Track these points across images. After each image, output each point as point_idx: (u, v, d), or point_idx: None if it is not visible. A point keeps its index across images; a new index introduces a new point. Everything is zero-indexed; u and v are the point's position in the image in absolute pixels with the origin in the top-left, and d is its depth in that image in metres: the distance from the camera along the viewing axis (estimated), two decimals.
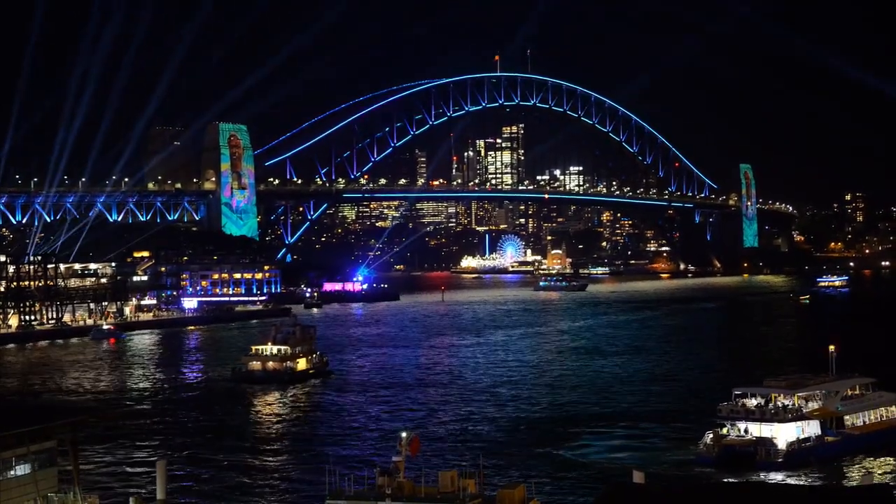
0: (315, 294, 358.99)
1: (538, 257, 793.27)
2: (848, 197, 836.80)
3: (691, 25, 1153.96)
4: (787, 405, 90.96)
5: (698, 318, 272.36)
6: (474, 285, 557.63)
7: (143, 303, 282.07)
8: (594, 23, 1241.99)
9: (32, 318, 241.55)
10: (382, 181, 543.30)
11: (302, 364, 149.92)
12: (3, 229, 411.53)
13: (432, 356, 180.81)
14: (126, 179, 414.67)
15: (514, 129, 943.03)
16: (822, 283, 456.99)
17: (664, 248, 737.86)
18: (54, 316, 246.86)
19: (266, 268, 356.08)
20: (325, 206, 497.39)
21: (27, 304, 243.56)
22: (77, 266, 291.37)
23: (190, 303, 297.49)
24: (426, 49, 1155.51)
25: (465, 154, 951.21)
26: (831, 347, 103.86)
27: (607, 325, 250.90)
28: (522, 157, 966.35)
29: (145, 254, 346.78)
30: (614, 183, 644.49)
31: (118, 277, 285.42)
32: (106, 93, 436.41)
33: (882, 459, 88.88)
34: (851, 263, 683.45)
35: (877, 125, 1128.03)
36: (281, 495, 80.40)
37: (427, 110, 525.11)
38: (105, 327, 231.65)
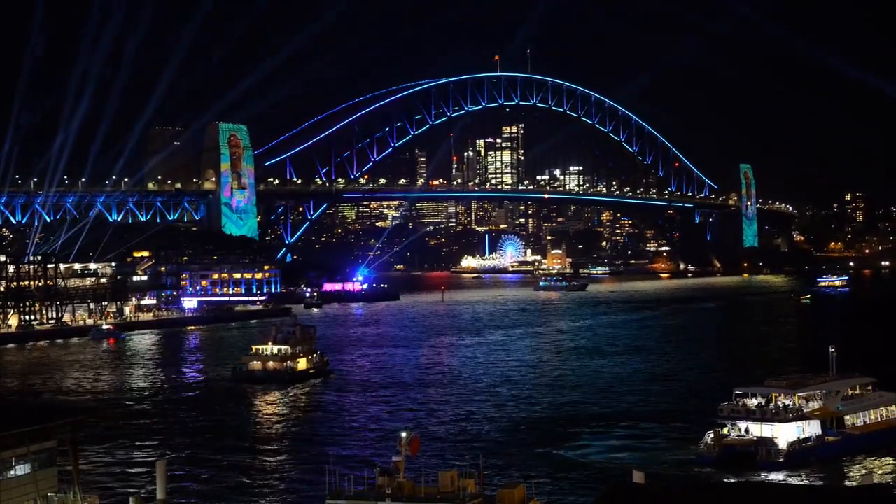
0: (315, 294, 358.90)
1: (538, 257, 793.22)
2: (848, 197, 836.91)
3: (691, 25, 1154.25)
4: (788, 405, 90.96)
5: (698, 318, 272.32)
6: (474, 285, 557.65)
7: (143, 303, 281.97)
8: (594, 23, 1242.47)
9: (32, 318, 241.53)
10: (382, 181, 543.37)
11: (302, 364, 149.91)
12: (3, 229, 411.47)
13: (432, 356, 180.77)
14: (126, 179, 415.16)
15: (514, 129, 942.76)
16: (823, 283, 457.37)
17: (664, 248, 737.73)
18: (54, 316, 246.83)
19: (266, 268, 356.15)
20: (324, 206, 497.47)
21: (27, 304, 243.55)
22: (77, 266, 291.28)
23: (190, 303, 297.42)
24: (426, 49, 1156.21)
25: (465, 154, 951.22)
26: (831, 347, 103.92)
27: (607, 324, 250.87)
28: (522, 157, 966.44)
29: (145, 254, 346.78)
30: (614, 183, 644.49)
31: (118, 277, 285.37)
32: (106, 93, 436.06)
33: (882, 459, 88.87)
34: (851, 263, 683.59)
35: (877, 125, 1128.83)
36: (281, 495, 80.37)
37: (427, 110, 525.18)
38: (104, 327, 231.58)
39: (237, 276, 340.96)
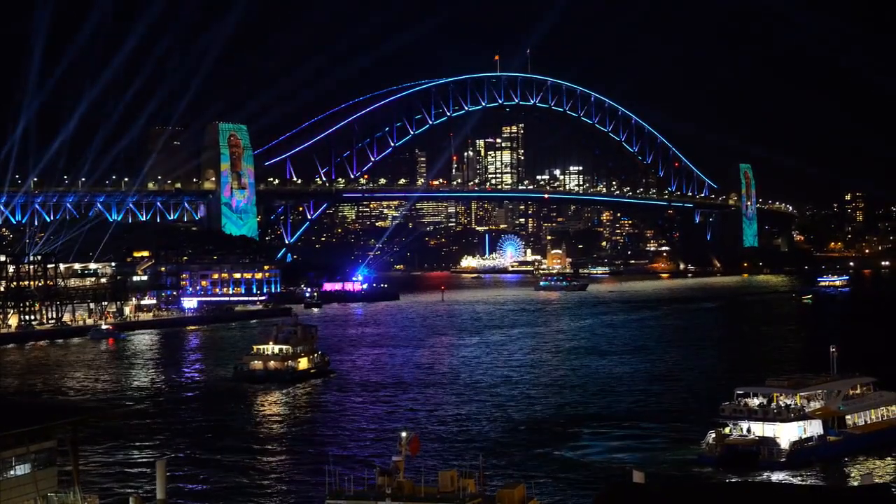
0: (315, 294, 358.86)
1: (538, 257, 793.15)
2: (848, 197, 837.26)
3: (691, 25, 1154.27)
4: (790, 405, 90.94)
5: (698, 318, 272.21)
6: (474, 285, 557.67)
7: (142, 303, 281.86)
8: (594, 23, 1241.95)
9: (32, 317, 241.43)
10: (382, 181, 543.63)
11: (303, 363, 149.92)
12: (3, 229, 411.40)
13: (432, 356, 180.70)
14: (126, 179, 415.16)
15: (514, 128, 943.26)
16: (823, 283, 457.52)
17: (664, 248, 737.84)
18: (54, 316, 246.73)
19: (266, 268, 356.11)
20: (324, 205, 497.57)
21: (27, 303, 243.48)
22: (77, 266, 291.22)
23: (190, 303, 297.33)
24: (426, 49, 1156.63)
25: (465, 154, 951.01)
26: (832, 347, 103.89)
27: (607, 324, 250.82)
28: (522, 157, 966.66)
29: (145, 254, 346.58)
30: (614, 183, 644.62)
31: (118, 277, 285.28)
32: (106, 93, 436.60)
33: (883, 459, 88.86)
34: (851, 263, 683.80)
35: (877, 125, 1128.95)
36: (281, 495, 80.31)
37: (427, 110, 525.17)
38: (104, 327, 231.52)
39: (237, 276, 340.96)
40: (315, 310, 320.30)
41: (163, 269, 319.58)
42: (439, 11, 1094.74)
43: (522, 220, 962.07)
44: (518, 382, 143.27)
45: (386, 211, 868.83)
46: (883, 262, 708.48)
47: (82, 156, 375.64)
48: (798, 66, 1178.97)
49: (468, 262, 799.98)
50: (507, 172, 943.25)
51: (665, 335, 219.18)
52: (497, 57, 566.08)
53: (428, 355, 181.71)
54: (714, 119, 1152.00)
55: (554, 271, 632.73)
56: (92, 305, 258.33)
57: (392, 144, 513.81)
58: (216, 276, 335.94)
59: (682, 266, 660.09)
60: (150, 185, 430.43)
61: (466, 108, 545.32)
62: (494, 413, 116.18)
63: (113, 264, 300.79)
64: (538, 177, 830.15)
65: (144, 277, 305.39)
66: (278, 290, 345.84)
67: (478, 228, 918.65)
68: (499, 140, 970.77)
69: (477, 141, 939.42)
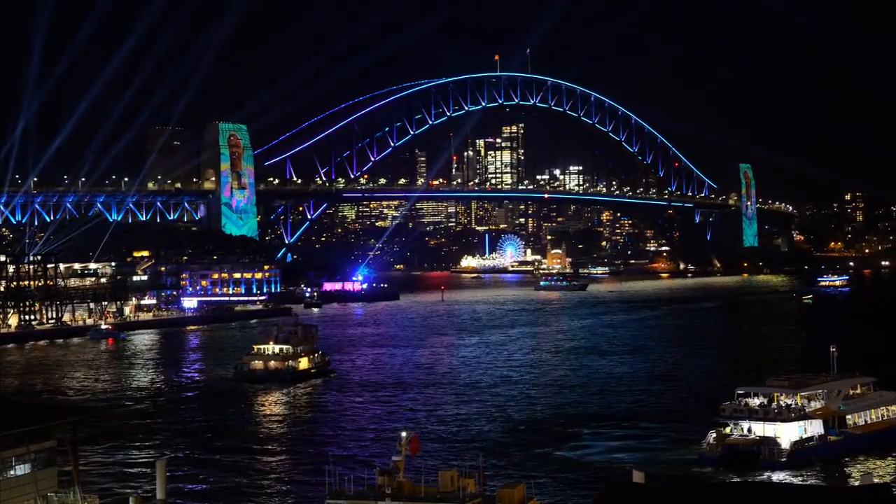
0: (315, 294, 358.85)
1: (538, 257, 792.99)
2: (848, 197, 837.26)
3: (691, 25, 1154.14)
4: (790, 405, 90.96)
5: (698, 318, 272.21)
6: (474, 285, 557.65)
7: (142, 302, 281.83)
8: (594, 23, 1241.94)
9: (32, 317, 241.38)
10: (382, 181, 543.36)
11: (304, 363, 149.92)
12: (3, 229, 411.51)
13: (432, 356, 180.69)
14: (126, 179, 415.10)
15: (514, 128, 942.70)
16: (823, 283, 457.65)
17: (664, 248, 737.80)
18: (54, 316, 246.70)
19: (266, 267, 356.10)
20: (324, 205, 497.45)
21: (27, 303, 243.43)
22: (77, 266, 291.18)
23: (190, 302, 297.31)
24: (426, 49, 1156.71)
25: (465, 154, 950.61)
26: (832, 347, 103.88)
27: (607, 324, 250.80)
28: (522, 157, 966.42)
29: (145, 254, 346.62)
30: (614, 182, 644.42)
31: (118, 277, 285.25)
32: (106, 93, 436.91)
33: (884, 459, 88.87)
34: (851, 263, 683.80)
35: (877, 125, 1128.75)
36: (281, 495, 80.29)
37: (427, 110, 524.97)
38: (103, 327, 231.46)
39: (237, 275, 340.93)
40: (315, 310, 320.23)
41: (163, 269, 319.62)
42: (439, 11, 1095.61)
43: (522, 220, 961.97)
44: (518, 382, 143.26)
45: (386, 211, 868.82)
46: (883, 262, 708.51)
47: (82, 156, 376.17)
48: (798, 66, 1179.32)
49: (468, 262, 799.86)
50: (507, 172, 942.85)
51: (665, 335, 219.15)
52: (497, 57, 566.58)
53: (428, 355, 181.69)
54: (714, 119, 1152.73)
55: (554, 271, 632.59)
56: (92, 305, 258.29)
57: (392, 144, 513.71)
58: (216, 276, 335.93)
59: (682, 266, 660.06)
60: (150, 185, 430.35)
61: (466, 108, 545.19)
62: (494, 413, 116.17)
63: (113, 264, 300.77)
64: (538, 177, 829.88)
65: (144, 277, 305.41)
66: (278, 289, 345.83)
67: (478, 228, 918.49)
68: (499, 140, 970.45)
69: (477, 141, 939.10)
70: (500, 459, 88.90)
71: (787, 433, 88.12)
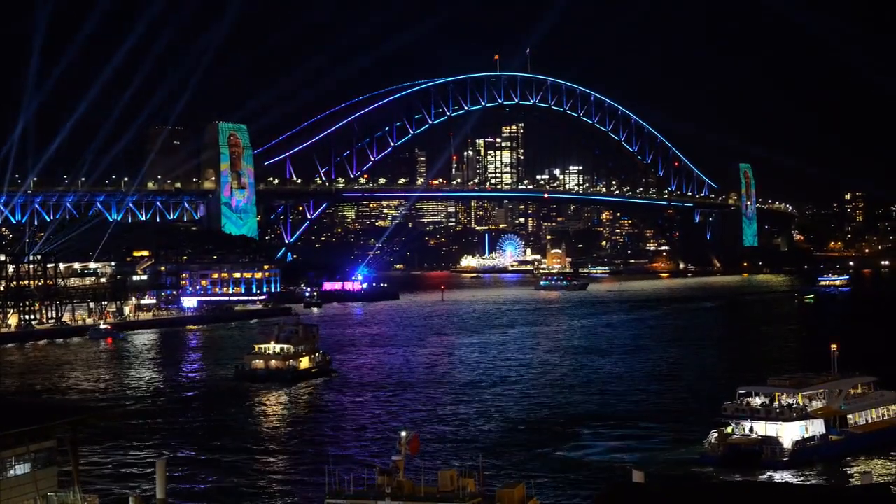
0: (315, 293, 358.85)
1: (538, 257, 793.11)
2: (848, 196, 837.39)
3: (691, 25, 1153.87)
4: (792, 404, 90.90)
5: (698, 318, 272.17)
6: (474, 285, 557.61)
7: (142, 302, 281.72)
8: (594, 23, 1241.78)
9: (32, 317, 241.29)
10: (382, 181, 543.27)
11: (305, 363, 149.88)
12: (3, 229, 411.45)
13: (432, 356, 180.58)
14: (126, 179, 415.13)
15: (514, 128, 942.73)
16: (824, 283, 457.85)
17: (664, 248, 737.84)
18: (54, 315, 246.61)
19: (266, 267, 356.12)
20: (324, 205, 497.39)
21: (27, 303, 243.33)
22: (77, 266, 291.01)
23: (189, 302, 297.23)
24: (426, 49, 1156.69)
25: (465, 153, 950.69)
26: (833, 346, 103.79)
27: (607, 324, 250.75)
28: (522, 157, 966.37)
29: (145, 253, 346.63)
30: (614, 182, 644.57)
31: (118, 277, 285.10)
32: (105, 93, 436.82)
33: (885, 458, 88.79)
34: (851, 263, 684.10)
35: (877, 125, 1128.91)
36: (281, 495, 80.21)
37: (427, 110, 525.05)
38: (103, 327, 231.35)
39: (237, 275, 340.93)
40: (315, 309, 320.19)
41: (162, 268, 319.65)
42: (439, 11, 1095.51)
43: (522, 219, 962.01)
44: (518, 382, 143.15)
45: (386, 211, 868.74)
46: (883, 262, 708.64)
47: (82, 155, 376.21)
48: (798, 66, 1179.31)
49: (468, 261, 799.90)
50: (506, 172, 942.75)
51: (665, 335, 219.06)
52: (497, 57, 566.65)
53: (428, 355, 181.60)
54: (714, 119, 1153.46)
55: (554, 271, 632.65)
56: (92, 305, 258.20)
57: (392, 144, 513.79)
58: (216, 275, 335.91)
59: (681, 266, 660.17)
60: (150, 185, 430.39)
61: (466, 108, 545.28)
62: (494, 413, 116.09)
63: (113, 264, 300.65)
64: (538, 176, 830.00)
65: (144, 277, 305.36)
66: (278, 289, 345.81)
67: (478, 228, 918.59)
68: (499, 140, 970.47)
69: (477, 141, 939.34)
70: (500, 459, 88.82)
71: (788, 433, 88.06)
